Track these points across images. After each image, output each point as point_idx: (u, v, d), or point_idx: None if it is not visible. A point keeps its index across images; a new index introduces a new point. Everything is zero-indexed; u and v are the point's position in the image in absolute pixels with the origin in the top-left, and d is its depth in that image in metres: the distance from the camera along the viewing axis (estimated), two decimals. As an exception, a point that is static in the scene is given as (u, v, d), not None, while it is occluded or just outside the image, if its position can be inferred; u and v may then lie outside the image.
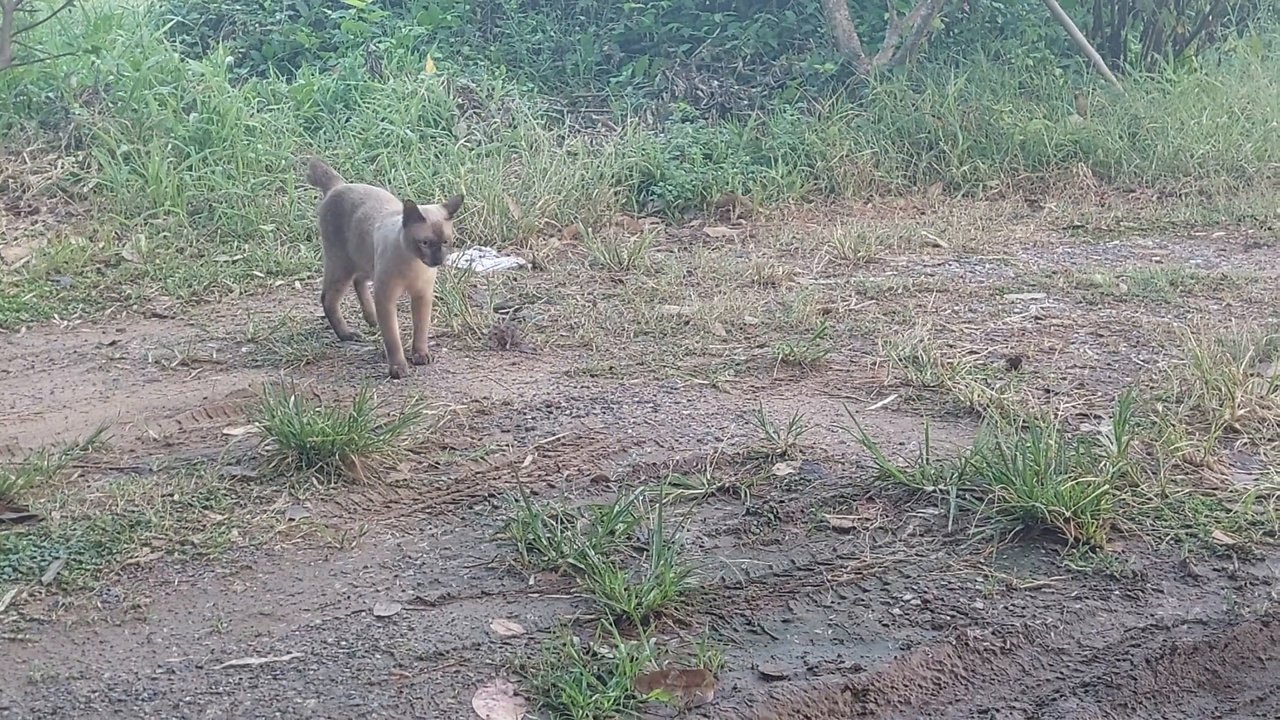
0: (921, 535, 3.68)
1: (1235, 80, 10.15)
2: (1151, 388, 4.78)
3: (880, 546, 3.62)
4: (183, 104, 8.05)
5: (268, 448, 4.17)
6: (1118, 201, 8.39)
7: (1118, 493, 3.80)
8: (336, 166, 7.82)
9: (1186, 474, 4.02)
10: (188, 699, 2.90)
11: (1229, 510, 3.77)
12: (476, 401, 4.74)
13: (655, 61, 10.31)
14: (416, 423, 4.41)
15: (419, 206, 4.83)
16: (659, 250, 7.13)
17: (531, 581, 3.43)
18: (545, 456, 4.26)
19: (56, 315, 5.79)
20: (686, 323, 5.68)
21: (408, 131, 8.16)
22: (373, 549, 3.63)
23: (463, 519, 3.82)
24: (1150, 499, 3.83)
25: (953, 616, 3.25)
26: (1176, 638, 3.14)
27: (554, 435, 4.43)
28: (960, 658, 3.08)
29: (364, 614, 3.28)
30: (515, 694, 2.91)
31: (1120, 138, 9.05)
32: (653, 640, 3.09)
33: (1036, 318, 5.79)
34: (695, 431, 4.46)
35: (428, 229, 4.80)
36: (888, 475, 3.96)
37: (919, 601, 3.32)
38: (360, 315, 5.62)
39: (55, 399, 4.79)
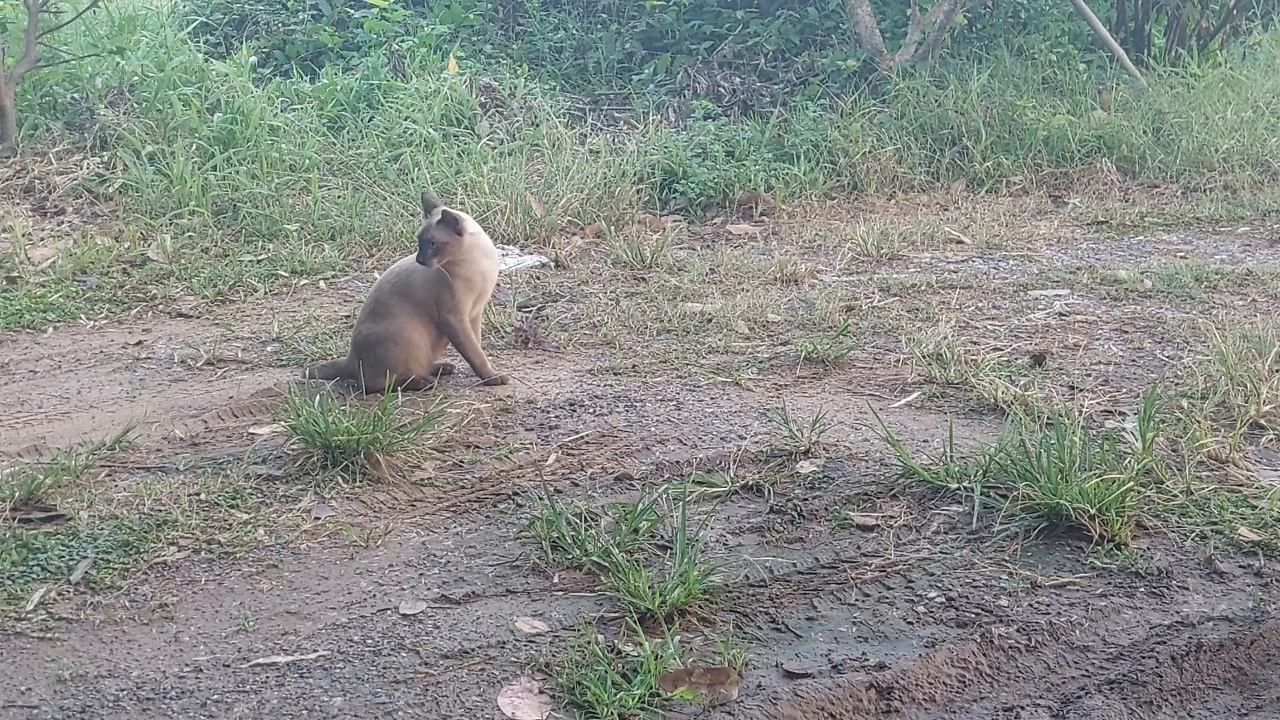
0: (946, 533, 3.67)
1: (1260, 74, 10.10)
2: (1176, 384, 4.76)
3: (904, 544, 3.61)
4: (207, 104, 8.10)
5: (293, 447, 4.19)
6: (1142, 197, 8.35)
7: (1143, 490, 3.78)
8: (360, 166, 7.86)
9: (1212, 470, 4.00)
10: (215, 697, 2.92)
11: (1255, 507, 3.76)
12: (500, 400, 4.75)
13: (677, 59, 10.31)
14: (441, 421, 4.42)
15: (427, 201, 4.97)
16: (681, 248, 7.13)
17: (556, 579, 3.43)
18: (569, 455, 4.27)
19: (83, 315, 5.83)
20: (709, 320, 5.68)
21: (430, 130, 8.18)
22: (398, 547, 3.64)
23: (487, 517, 3.83)
24: (1175, 496, 3.82)
25: (977, 614, 3.24)
26: (1202, 635, 3.13)
27: (577, 433, 4.44)
28: (985, 655, 3.07)
29: (389, 612, 3.29)
30: (540, 692, 2.92)
31: (1144, 133, 9.02)
32: (677, 638, 3.09)
33: (1061, 314, 5.77)
34: (718, 429, 4.46)
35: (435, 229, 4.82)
36: (911, 473, 3.96)
37: (943, 599, 3.32)
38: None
39: (82, 399, 4.82)
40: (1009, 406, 4.49)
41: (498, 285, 5.38)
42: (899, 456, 4.02)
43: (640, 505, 3.66)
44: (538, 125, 8.55)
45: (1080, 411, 4.43)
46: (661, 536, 3.63)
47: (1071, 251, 7.05)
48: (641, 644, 3.03)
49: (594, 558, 3.45)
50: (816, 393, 4.83)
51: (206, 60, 8.66)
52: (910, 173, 8.58)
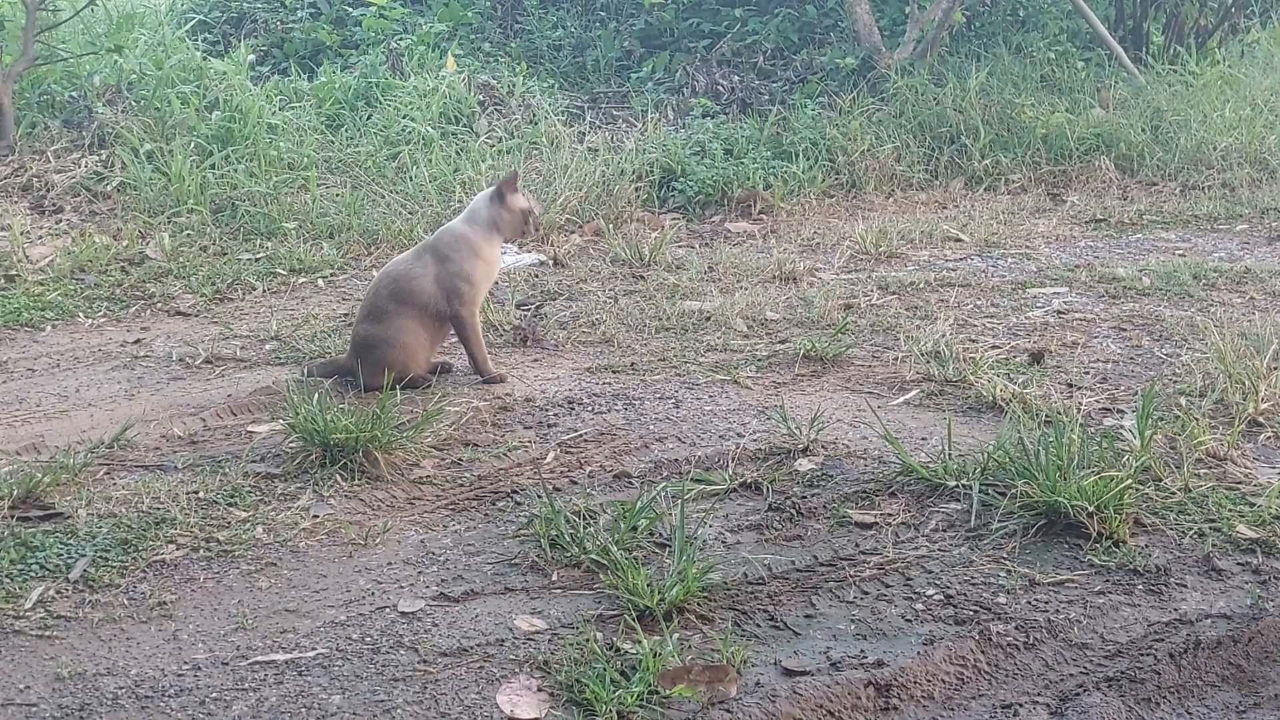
0: (944, 530, 3.67)
1: (1258, 72, 10.11)
2: (1174, 382, 4.77)
3: (903, 542, 3.61)
4: (205, 102, 8.09)
5: (292, 445, 4.19)
6: (1140, 195, 8.36)
7: (1141, 487, 3.78)
8: (358, 164, 7.86)
9: (1210, 468, 4.00)
10: (213, 695, 2.92)
11: (1253, 504, 3.75)
12: (499, 398, 4.75)
13: (676, 57, 10.31)
14: (439, 420, 4.42)
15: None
16: (680, 246, 7.13)
17: (554, 577, 3.43)
18: (567, 453, 4.27)
19: (81, 314, 5.83)
20: (708, 319, 5.68)
21: (429, 129, 8.18)
22: (397, 545, 3.64)
23: (486, 515, 3.83)
24: (1174, 493, 3.82)
25: (976, 611, 3.24)
26: (1200, 632, 3.13)
27: (576, 431, 4.44)
28: (983, 653, 3.07)
29: (388, 610, 3.29)
30: (539, 689, 2.92)
31: (1143, 131, 9.03)
32: (675, 636, 3.09)
33: (1059, 312, 5.77)
34: (717, 427, 4.46)
35: (523, 199, 4.81)
36: (910, 471, 3.95)
37: (942, 596, 3.32)
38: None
39: (80, 397, 4.82)
40: (1007, 404, 4.50)
41: (496, 283, 5.39)
42: (897, 454, 4.02)
43: (639, 503, 3.66)
44: (536, 123, 8.55)
45: (1079, 409, 4.43)
46: (660, 534, 3.63)
47: (1070, 249, 7.05)
48: (640, 642, 3.03)
49: (593, 555, 3.45)
50: (815, 391, 4.83)
51: (204, 58, 8.66)
52: (909, 171, 8.59)
